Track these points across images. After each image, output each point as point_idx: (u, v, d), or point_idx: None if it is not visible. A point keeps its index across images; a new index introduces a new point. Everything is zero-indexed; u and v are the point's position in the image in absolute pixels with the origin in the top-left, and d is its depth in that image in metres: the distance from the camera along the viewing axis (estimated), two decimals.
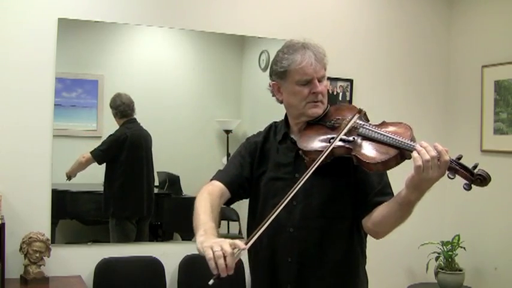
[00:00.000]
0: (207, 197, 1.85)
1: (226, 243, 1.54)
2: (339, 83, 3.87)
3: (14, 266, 3.02)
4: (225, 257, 1.50)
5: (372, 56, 3.96)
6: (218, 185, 1.93)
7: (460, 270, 3.75)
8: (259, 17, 3.69)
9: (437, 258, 3.77)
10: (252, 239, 1.59)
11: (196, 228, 1.71)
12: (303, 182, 1.67)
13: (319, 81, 1.87)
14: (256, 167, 1.98)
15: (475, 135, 3.91)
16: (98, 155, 3.41)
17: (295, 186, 1.67)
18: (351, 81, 3.90)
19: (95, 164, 3.44)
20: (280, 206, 1.63)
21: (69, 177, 3.36)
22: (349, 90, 3.90)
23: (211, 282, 1.51)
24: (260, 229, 1.59)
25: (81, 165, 3.40)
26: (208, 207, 1.80)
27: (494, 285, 3.77)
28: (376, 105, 3.60)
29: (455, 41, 4.18)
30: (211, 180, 1.98)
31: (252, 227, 2.01)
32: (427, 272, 3.84)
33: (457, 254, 3.76)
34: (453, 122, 4.15)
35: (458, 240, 3.77)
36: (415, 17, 4.08)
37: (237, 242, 1.55)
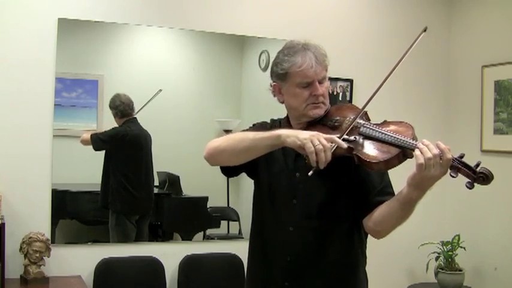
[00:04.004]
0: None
1: (322, 138, 1.63)
2: (339, 83, 3.87)
3: (14, 266, 3.02)
4: (324, 151, 1.59)
5: (372, 56, 3.95)
6: None
7: (460, 270, 3.74)
8: (259, 17, 3.69)
9: (437, 258, 3.77)
10: (361, 107, 1.77)
11: (260, 136, 1.74)
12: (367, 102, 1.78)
13: (320, 82, 1.85)
14: None
15: (475, 135, 3.91)
16: (96, 142, 3.42)
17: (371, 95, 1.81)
18: (351, 81, 3.90)
19: (95, 164, 3.44)
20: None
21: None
22: (349, 90, 3.90)
23: (310, 173, 1.64)
24: (365, 106, 1.78)
25: (82, 141, 3.41)
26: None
27: (494, 285, 3.77)
28: (376, 105, 3.56)
29: (455, 41, 4.18)
30: None
31: (256, 219, 2.00)
32: (427, 272, 3.84)
33: (457, 254, 3.76)
34: (453, 122, 4.15)
35: (458, 240, 3.77)
36: (415, 17, 4.07)
37: (333, 137, 1.65)
